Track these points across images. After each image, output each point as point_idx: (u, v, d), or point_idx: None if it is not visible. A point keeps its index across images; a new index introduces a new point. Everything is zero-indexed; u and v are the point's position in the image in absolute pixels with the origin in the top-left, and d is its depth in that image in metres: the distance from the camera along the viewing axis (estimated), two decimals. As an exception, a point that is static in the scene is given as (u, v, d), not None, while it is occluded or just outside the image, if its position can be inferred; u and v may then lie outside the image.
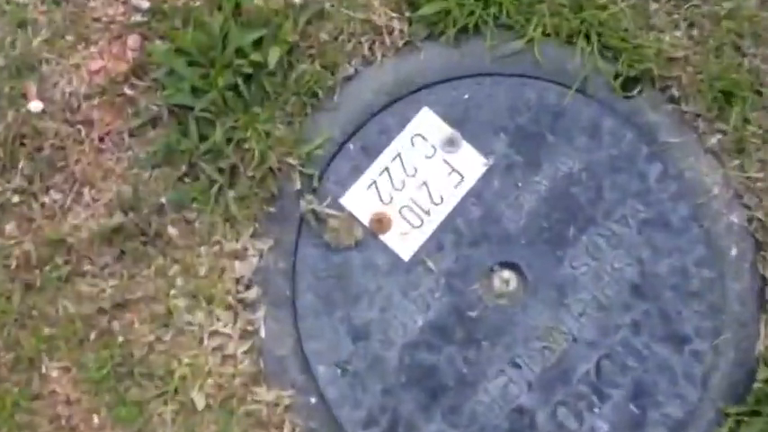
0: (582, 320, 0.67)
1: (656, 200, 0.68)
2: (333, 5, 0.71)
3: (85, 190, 0.67)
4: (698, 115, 0.70)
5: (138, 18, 0.70)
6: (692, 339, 0.66)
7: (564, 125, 0.70)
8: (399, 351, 0.66)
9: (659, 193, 0.68)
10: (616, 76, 0.71)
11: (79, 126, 0.68)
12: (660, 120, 0.71)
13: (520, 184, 0.69)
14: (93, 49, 0.69)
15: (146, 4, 0.70)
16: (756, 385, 0.65)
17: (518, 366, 0.66)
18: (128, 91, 0.68)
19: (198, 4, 0.70)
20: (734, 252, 0.67)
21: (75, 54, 0.69)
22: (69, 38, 0.70)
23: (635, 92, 0.71)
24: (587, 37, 0.71)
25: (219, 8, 0.69)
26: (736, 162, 0.69)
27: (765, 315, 0.67)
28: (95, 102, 0.68)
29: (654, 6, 0.73)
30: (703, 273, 0.67)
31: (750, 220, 0.68)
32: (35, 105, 0.67)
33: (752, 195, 0.69)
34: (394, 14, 0.71)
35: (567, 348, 0.66)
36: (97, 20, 0.70)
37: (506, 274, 0.68)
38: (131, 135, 0.68)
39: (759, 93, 0.71)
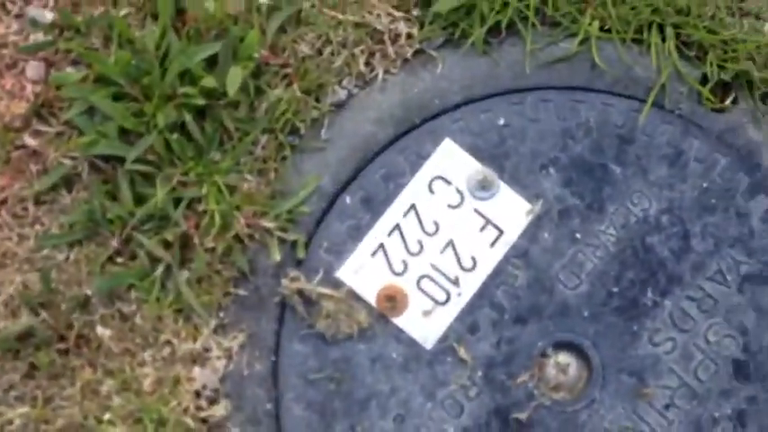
0: (668, 415, 0.68)
1: (763, 246, 0.71)
2: (313, 5, 0.73)
3: None
4: None
5: (38, 37, 0.70)
6: (820, 434, 0.70)
7: (635, 153, 0.72)
8: (428, 477, 0.70)
9: (767, 238, 0.71)
10: (703, 83, 0.74)
11: None
12: (764, 138, 0.73)
13: (578, 237, 0.71)
14: None
15: (48, 17, 0.70)
16: None
17: (588, 487, 0.70)
18: (29, 140, 0.69)
19: (123, 12, 0.70)
20: None
21: None
22: None
23: (728, 102, 0.74)
24: (661, 30, 0.73)
25: (154, 17, 0.71)
26: None
27: None
28: None
29: None
30: None
31: None
32: None
33: None
34: (399, 14, 0.72)
35: (654, 457, 0.70)
36: None
37: (564, 358, 0.70)
38: (38, 202, 0.69)
39: None
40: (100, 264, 0.67)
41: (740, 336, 0.69)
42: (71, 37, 0.70)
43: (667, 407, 0.68)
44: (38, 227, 0.69)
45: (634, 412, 0.68)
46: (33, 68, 0.71)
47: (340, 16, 0.72)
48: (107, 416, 0.66)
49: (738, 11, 0.76)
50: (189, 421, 0.66)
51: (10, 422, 0.66)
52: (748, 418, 0.68)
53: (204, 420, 0.67)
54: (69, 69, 0.70)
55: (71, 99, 0.68)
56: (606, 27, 0.73)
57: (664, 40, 0.73)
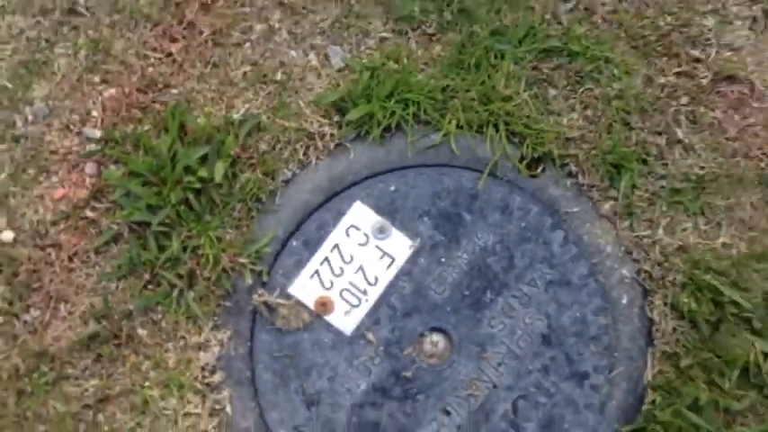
0: (500, 369, 1.04)
1: (560, 262, 1.08)
2: (269, 117, 1.10)
3: (61, 305, 1.02)
4: (592, 186, 1.11)
5: (92, 147, 1.06)
6: (590, 375, 1.05)
7: (479, 205, 1.09)
8: (347, 412, 1.03)
9: (562, 257, 1.08)
10: (521, 159, 1.11)
11: (49, 250, 1.04)
12: (561, 193, 1.11)
13: (443, 260, 1.07)
14: (54, 179, 1.05)
15: (98, 134, 1.07)
16: (645, 407, 1.05)
17: (448, 413, 1.04)
18: (89, 214, 1.03)
19: (146, 128, 1.06)
20: (625, 300, 1.08)
21: (38, 185, 1.06)
22: (31, 171, 1.06)
23: (539, 171, 1.10)
24: (495, 126, 1.09)
25: (166, 130, 1.06)
26: (626, 224, 1.11)
27: (652, 349, 1.07)
28: (61, 226, 1.03)
29: (552, 92, 1.13)
30: (599, 320, 1.07)
31: (638, 272, 1.10)
32: (6, 235, 1.04)
33: (640, 251, 1.10)
34: (324, 121, 1.09)
35: (489, 394, 1.04)
36: (54, 152, 1.06)
37: (435, 337, 1.05)
38: (97, 253, 1.03)
39: (645, 162, 1.12)
40: (138, 290, 1.04)
41: (546, 319, 1.06)
42: (113, 146, 1.07)
43: (499, 364, 1.05)
44: (98, 268, 1.04)
45: (479, 368, 1.05)
46: (90, 167, 1.07)
47: (286, 124, 1.10)
48: (146, 383, 1.02)
49: (546, 111, 1.12)
50: (198, 385, 1.03)
51: (86, 390, 1.03)
52: (550, 370, 1.05)
53: (208, 384, 1.04)
54: (113, 167, 1.06)
55: (115, 186, 1.05)
56: (460, 125, 1.10)
57: (497, 132, 1.11)
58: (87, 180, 1.00)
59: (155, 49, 1.08)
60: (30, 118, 1.05)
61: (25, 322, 1.00)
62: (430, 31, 1.12)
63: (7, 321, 1.01)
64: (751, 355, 1.01)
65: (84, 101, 1.05)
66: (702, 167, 1.11)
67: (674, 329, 1.07)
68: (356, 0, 1.11)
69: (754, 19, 1.15)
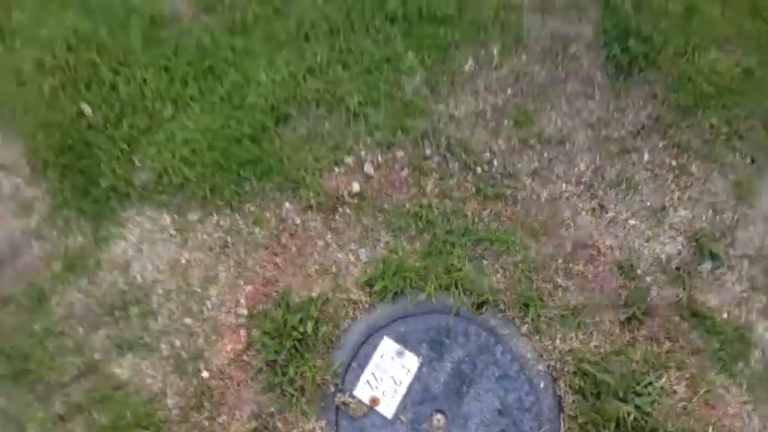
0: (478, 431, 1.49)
1: (502, 364, 1.49)
2: (332, 293, 1.58)
3: (236, 411, 1.51)
4: (514, 317, 1.51)
5: (242, 320, 1.56)
6: (530, 433, 1.46)
7: (452, 334, 1.52)
8: (395, 464, 1.45)
9: (503, 361, 1.49)
10: (473, 304, 1.55)
11: (227, 380, 1.51)
12: (497, 322, 1.52)
13: (437, 369, 1.50)
14: (225, 339, 1.55)
15: (245, 312, 1.60)
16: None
17: (451, 458, 1.48)
18: (245, 358, 1.53)
19: (268, 307, 1.56)
20: (542, 385, 1.48)
21: (218, 344, 1.54)
22: (214, 336, 1.56)
23: (483, 310, 1.55)
24: (456, 286, 1.55)
25: (279, 306, 1.56)
26: (537, 338, 1.53)
27: (562, 414, 1.48)
28: (232, 366, 1.53)
29: (485, 263, 1.56)
30: (530, 398, 1.46)
31: (548, 367, 1.50)
32: (205, 374, 1.59)
33: (547, 354, 1.51)
34: (362, 292, 1.56)
35: (473, 448, 1.43)
36: (224, 324, 1.56)
37: (438, 416, 1.49)
38: (252, 379, 1.52)
39: (542, 300, 1.57)
40: (275, 399, 1.51)
41: (498, 399, 1.50)
42: (254, 318, 1.54)
43: (476, 430, 1.47)
44: (252, 389, 1.52)
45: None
46: (243, 332, 1.55)
47: (341, 296, 1.54)
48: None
49: (482, 274, 1.69)
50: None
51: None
52: (506, 431, 1.56)
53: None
54: (254, 330, 1.53)
55: (257, 341, 1.54)
56: (436, 288, 1.53)
57: (457, 289, 1.58)
58: (242, 339, 1.56)
59: (267, 262, 1.61)
60: (209, 306, 1.60)
61: (219, 423, 1.53)
62: (412, 234, 1.62)
63: (210, 423, 1.53)
64: (620, 414, 1.46)
65: (236, 295, 1.61)
66: (577, 300, 1.61)
67: (573, 401, 1.48)
68: (369, 222, 1.65)
69: (594, 209, 1.63)
